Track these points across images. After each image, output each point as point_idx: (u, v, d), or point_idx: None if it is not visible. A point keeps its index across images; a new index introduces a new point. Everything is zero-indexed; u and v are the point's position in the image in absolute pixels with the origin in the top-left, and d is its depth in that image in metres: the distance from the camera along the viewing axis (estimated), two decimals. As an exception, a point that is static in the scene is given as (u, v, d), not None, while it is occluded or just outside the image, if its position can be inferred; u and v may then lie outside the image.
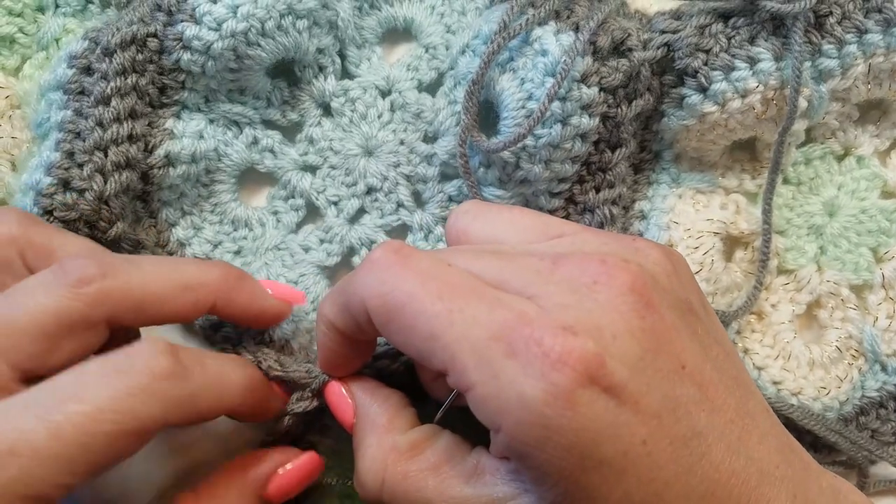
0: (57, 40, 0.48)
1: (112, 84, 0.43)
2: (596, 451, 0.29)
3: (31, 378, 0.32)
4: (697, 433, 0.30)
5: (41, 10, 0.49)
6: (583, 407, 0.29)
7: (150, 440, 0.32)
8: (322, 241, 0.47)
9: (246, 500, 0.37)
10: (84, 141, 0.43)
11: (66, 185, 0.42)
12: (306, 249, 0.47)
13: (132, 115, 0.44)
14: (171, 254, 0.47)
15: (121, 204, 0.44)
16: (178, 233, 0.47)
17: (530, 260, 0.33)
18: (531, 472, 0.30)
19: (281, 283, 0.43)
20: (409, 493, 0.33)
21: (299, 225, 0.48)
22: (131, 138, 0.44)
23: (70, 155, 0.43)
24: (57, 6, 0.49)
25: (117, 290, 0.34)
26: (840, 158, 0.49)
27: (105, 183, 0.43)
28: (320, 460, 0.39)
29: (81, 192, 0.42)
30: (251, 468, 0.37)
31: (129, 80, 0.44)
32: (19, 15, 0.48)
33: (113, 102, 0.43)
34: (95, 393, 0.31)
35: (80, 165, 0.43)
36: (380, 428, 0.36)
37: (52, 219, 0.42)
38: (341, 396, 0.38)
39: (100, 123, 0.43)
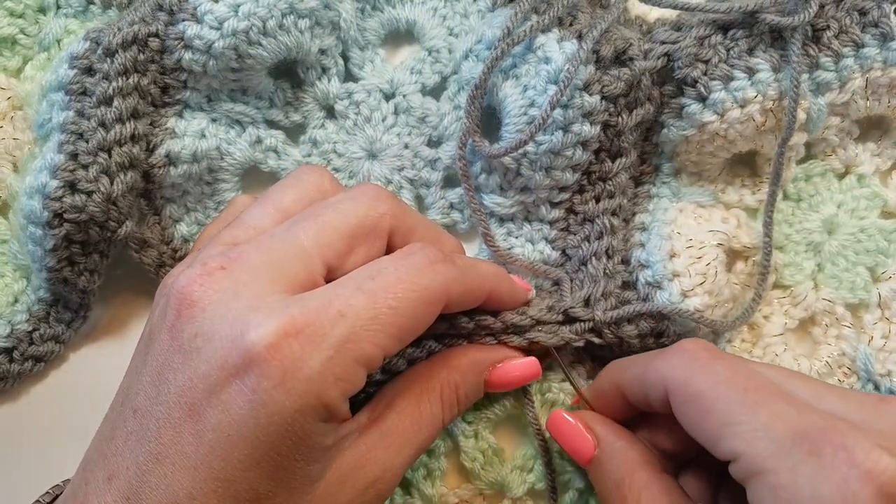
0: (58, 41, 0.48)
1: (114, 84, 0.43)
2: None
3: (329, 278, 0.37)
4: None
5: (43, 11, 0.49)
6: None
7: (435, 315, 0.37)
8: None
9: (474, 373, 0.42)
10: (87, 142, 0.43)
11: (72, 187, 0.42)
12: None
13: (134, 114, 0.44)
14: (175, 251, 0.47)
15: (128, 203, 0.44)
16: (182, 229, 0.47)
17: (853, 393, 0.36)
18: None
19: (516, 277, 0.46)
20: None
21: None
22: (133, 138, 0.44)
23: (74, 156, 0.43)
24: (58, 7, 0.49)
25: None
26: (841, 176, 0.49)
27: (111, 184, 0.43)
28: (539, 368, 0.43)
29: (89, 193, 0.42)
30: (487, 350, 0.43)
31: (130, 80, 0.44)
32: (21, 16, 0.49)
33: (115, 103, 0.43)
34: (392, 270, 0.36)
35: (85, 167, 0.43)
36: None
37: (61, 222, 0.42)
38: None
39: (102, 124, 0.43)
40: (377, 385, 0.40)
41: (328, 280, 0.36)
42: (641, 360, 0.41)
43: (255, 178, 0.48)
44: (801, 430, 0.32)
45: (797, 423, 0.33)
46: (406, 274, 0.36)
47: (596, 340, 0.44)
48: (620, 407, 0.42)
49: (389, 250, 0.39)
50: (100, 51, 0.44)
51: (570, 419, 0.42)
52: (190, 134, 0.46)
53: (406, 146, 0.48)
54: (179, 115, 0.46)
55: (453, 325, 0.41)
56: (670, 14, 0.47)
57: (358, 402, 0.38)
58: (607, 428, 0.41)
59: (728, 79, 0.44)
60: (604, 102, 0.43)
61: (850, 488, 0.30)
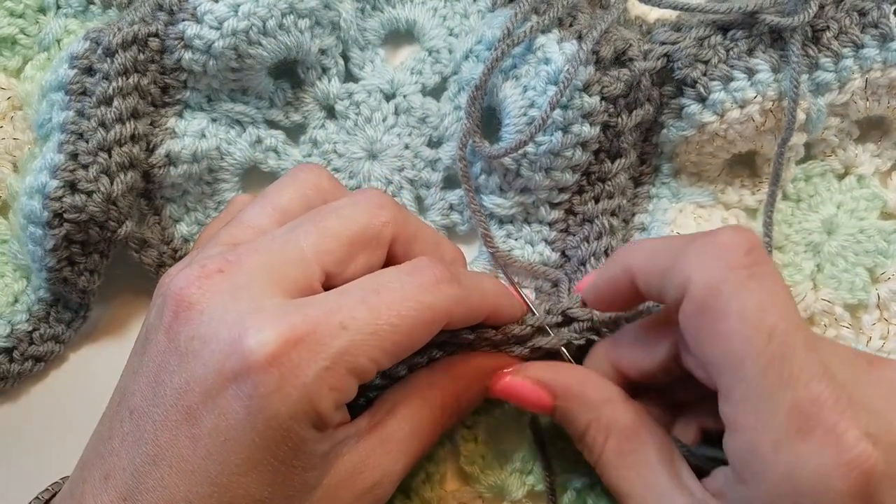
0: (58, 41, 0.48)
1: (114, 84, 0.43)
2: None
3: (327, 285, 0.36)
4: None
5: (43, 11, 0.49)
6: None
7: (434, 334, 0.36)
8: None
9: (477, 381, 0.41)
10: (87, 142, 0.43)
11: (72, 186, 0.42)
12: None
13: (134, 114, 0.44)
14: (175, 251, 0.47)
15: (128, 203, 0.44)
16: (182, 229, 0.47)
17: (847, 350, 0.37)
18: None
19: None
20: None
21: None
22: (133, 138, 0.44)
23: (74, 156, 0.43)
24: (58, 7, 0.49)
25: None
26: (840, 177, 0.49)
27: (111, 184, 0.43)
28: (551, 403, 0.40)
29: (89, 193, 0.42)
30: (490, 358, 0.41)
31: (130, 80, 0.44)
32: (21, 16, 0.49)
33: (115, 103, 0.43)
34: (398, 287, 0.35)
35: (85, 167, 0.42)
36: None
37: (61, 222, 0.42)
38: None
39: (102, 124, 0.43)
40: (378, 390, 0.40)
41: (326, 286, 0.36)
42: (668, 249, 0.36)
43: (255, 178, 0.48)
44: (798, 402, 0.31)
45: (800, 390, 0.32)
46: (411, 292, 0.35)
47: (596, 339, 0.44)
48: (628, 297, 0.39)
49: (389, 257, 0.39)
50: (100, 51, 0.44)
51: (517, 379, 0.41)
52: (190, 134, 0.46)
53: (406, 146, 0.48)
54: (179, 115, 0.46)
55: (455, 336, 0.41)
56: (670, 14, 0.47)
57: (358, 408, 0.38)
58: (559, 375, 0.40)
59: (728, 79, 0.44)
60: (603, 103, 0.43)
61: (828, 473, 0.31)
